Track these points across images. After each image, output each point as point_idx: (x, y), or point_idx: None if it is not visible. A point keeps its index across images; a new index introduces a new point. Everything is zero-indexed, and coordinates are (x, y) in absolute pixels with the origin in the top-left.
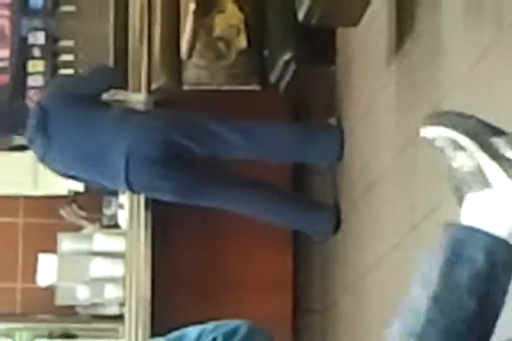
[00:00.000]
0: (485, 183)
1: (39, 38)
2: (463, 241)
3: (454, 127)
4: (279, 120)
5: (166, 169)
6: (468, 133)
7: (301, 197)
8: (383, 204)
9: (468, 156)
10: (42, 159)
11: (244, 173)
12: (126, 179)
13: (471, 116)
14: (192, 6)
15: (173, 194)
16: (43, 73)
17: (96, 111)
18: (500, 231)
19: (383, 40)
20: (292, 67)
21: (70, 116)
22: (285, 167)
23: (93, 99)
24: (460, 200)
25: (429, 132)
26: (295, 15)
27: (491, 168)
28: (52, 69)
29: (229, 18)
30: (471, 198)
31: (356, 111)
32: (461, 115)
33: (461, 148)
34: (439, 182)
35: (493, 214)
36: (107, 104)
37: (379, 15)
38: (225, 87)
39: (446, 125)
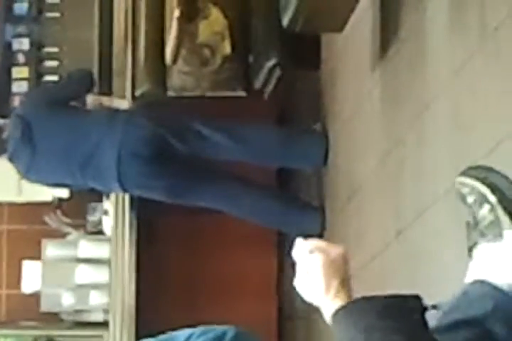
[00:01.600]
0: (498, 235)
1: (23, 44)
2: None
3: (490, 186)
4: (264, 125)
5: (156, 167)
6: (497, 192)
7: (289, 197)
8: (368, 209)
9: (491, 211)
10: (26, 171)
11: (233, 173)
12: (119, 177)
13: (506, 177)
14: (176, 13)
15: (163, 192)
16: (28, 79)
17: (81, 114)
18: (502, 282)
19: (368, 46)
20: (277, 73)
21: (55, 123)
22: (270, 171)
23: (74, 103)
24: (470, 250)
25: (463, 185)
26: (279, 22)
27: (507, 223)
28: (36, 76)
29: (213, 25)
30: (482, 248)
31: (341, 117)
32: (499, 173)
33: (488, 202)
34: (424, 188)
35: (498, 265)
36: (88, 109)
37: (363, 21)
38: (209, 93)
39: (484, 182)
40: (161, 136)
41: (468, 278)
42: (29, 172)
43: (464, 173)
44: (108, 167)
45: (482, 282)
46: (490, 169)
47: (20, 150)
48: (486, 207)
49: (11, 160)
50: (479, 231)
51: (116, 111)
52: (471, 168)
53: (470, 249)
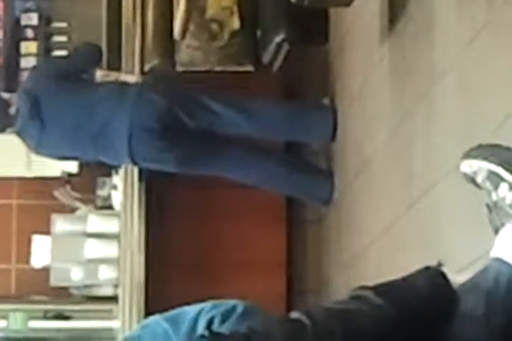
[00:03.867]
0: None
1: (32, 19)
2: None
3: (494, 161)
4: (273, 99)
5: (166, 140)
6: (508, 166)
7: (298, 161)
8: (378, 184)
9: (511, 189)
10: (36, 146)
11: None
12: (130, 151)
13: (508, 148)
14: None
15: (173, 164)
16: (36, 55)
17: (90, 87)
18: None
19: (376, 19)
20: (285, 47)
21: (64, 96)
22: (278, 143)
23: (82, 76)
24: (496, 231)
25: (469, 166)
26: None
27: None
28: (45, 51)
29: (221, 0)
30: (507, 229)
31: (349, 91)
32: (498, 147)
33: (503, 180)
34: (434, 162)
35: None
36: (97, 82)
37: None
38: (218, 68)
39: (486, 158)
40: (170, 110)
41: (494, 253)
42: (39, 146)
43: (466, 155)
44: (119, 141)
45: (502, 261)
46: (494, 146)
47: (29, 125)
48: (504, 186)
49: (19, 134)
50: (504, 211)
51: (126, 84)
52: (472, 149)
53: (496, 231)
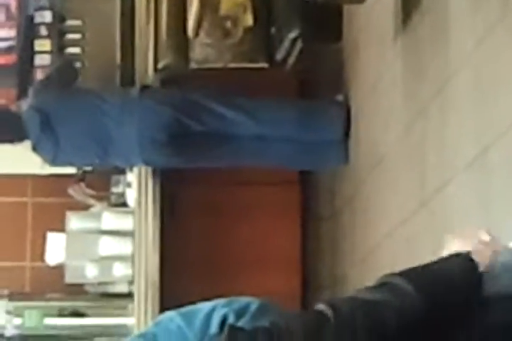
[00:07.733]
0: None
1: (45, 16)
2: None
3: None
4: (286, 97)
5: (176, 147)
6: None
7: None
8: (392, 180)
9: None
10: (53, 159)
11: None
12: (143, 158)
13: None
14: None
15: (187, 163)
16: (50, 52)
17: (93, 95)
18: None
19: (390, 16)
20: (299, 44)
21: (71, 107)
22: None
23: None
24: None
25: None
26: None
27: None
28: (58, 48)
29: None
30: None
31: (363, 88)
32: None
33: None
34: (447, 158)
35: None
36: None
37: None
38: (232, 65)
39: None
40: (175, 119)
41: None
42: (56, 159)
43: None
44: (131, 150)
45: None
46: None
47: (43, 140)
48: None
49: (34, 150)
50: None
51: (126, 92)
52: None
53: None
